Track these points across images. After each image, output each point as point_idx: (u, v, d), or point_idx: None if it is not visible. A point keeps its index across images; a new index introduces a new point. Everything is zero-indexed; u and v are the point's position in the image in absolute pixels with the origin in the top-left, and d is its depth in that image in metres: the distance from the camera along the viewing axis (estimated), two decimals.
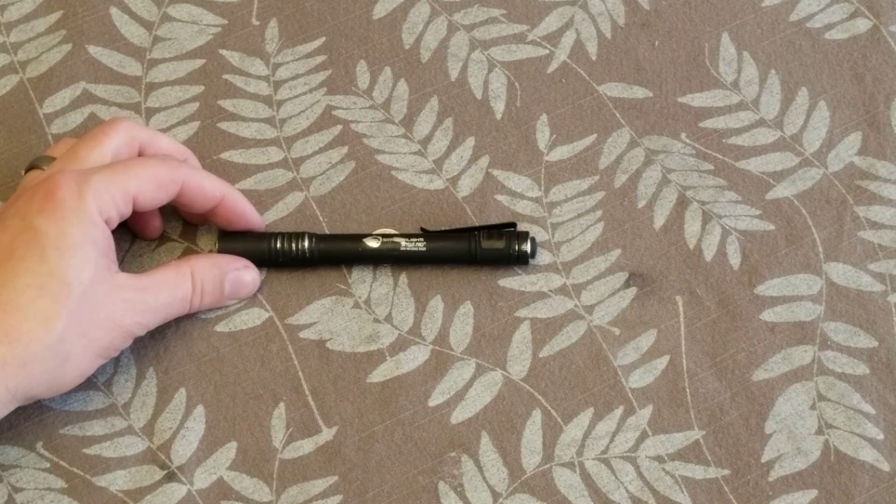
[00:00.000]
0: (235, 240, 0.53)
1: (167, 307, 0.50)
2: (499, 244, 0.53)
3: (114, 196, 0.48)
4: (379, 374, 0.52)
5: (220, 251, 0.53)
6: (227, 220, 0.52)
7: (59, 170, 0.48)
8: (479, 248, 0.53)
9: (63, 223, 0.46)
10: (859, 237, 0.55)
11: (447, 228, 0.54)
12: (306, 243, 0.53)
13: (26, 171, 0.51)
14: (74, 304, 0.45)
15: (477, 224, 0.55)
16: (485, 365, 0.52)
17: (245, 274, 0.52)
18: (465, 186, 0.56)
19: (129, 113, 0.57)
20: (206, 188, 0.51)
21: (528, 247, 0.53)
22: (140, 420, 0.51)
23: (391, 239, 0.53)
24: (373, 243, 0.53)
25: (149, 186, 0.49)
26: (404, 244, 0.53)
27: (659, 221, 0.55)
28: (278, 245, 0.53)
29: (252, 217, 0.53)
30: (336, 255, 0.53)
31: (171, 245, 0.54)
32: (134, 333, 0.49)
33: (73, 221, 0.46)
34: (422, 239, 0.53)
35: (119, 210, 0.48)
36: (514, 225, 0.53)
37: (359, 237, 0.53)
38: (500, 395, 0.51)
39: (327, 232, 0.55)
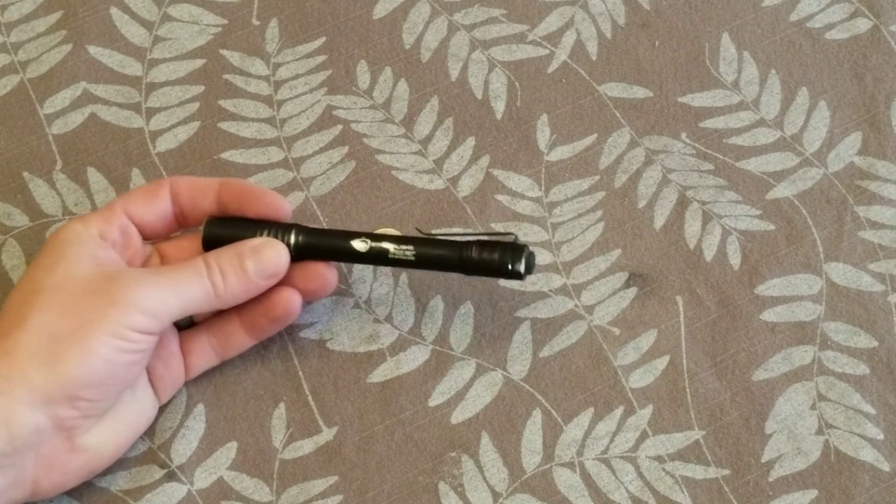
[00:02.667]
0: (221, 226, 0.50)
1: (183, 294, 0.47)
2: (492, 257, 0.48)
3: (102, 214, 0.48)
4: (379, 374, 0.52)
5: (205, 237, 0.50)
6: (240, 201, 0.50)
7: None
8: (472, 261, 0.49)
9: (54, 251, 0.47)
10: (859, 237, 0.55)
11: (446, 232, 0.53)
12: (293, 238, 0.50)
13: None
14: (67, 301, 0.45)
15: (478, 226, 0.55)
16: (485, 365, 0.52)
17: (263, 246, 0.49)
18: (466, 186, 0.56)
19: (129, 113, 0.57)
20: (199, 179, 0.50)
21: (521, 266, 0.48)
22: None
23: (379, 244, 0.50)
24: (360, 246, 0.50)
25: (136, 196, 0.49)
26: (393, 251, 0.49)
27: (659, 221, 0.55)
28: (265, 236, 0.49)
29: (264, 192, 0.50)
30: (321, 254, 0.50)
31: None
32: (161, 323, 0.47)
33: (62, 243, 0.47)
34: (411, 247, 0.49)
35: (119, 224, 0.48)
36: (513, 236, 0.49)
37: (347, 237, 0.50)
38: (501, 395, 0.51)
39: None
